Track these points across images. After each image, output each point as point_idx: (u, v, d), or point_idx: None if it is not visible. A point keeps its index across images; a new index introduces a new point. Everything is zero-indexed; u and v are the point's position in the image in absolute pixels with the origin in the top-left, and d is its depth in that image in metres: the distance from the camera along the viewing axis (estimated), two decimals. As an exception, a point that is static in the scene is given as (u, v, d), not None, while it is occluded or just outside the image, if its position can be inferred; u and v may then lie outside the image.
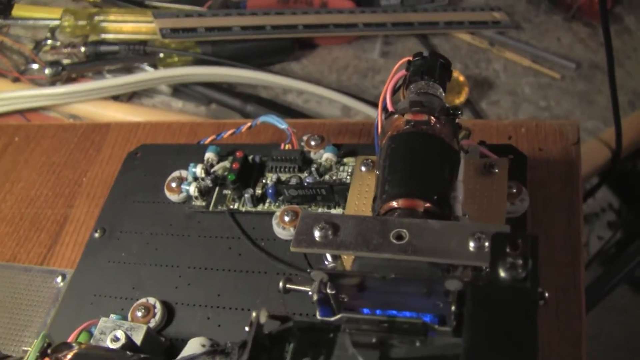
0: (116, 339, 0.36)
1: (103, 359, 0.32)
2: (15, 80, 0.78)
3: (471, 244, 0.28)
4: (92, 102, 0.76)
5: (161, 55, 0.78)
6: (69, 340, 0.41)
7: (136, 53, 0.78)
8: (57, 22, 0.82)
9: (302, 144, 0.49)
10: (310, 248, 0.30)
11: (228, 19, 0.76)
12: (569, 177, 0.48)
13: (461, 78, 0.79)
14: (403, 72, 0.38)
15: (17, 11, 0.85)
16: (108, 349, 0.34)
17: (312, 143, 0.49)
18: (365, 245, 0.29)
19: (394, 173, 0.32)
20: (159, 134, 0.65)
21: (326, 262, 0.33)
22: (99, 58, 0.79)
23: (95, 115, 0.75)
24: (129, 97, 0.78)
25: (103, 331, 0.41)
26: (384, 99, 0.39)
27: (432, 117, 0.34)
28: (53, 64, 0.77)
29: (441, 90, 0.37)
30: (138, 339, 0.39)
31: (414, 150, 0.33)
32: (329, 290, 0.28)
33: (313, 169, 0.47)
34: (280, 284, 0.31)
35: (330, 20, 0.81)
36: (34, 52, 0.81)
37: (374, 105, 0.76)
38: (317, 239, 0.30)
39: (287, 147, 0.50)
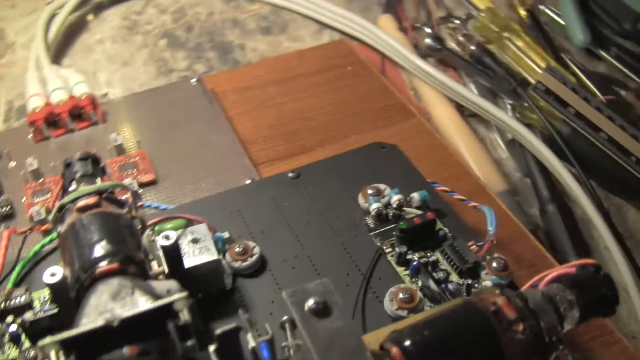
0: (167, 238, 0.40)
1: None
2: (402, 29, 0.85)
3: None
4: (437, 94, 0.79)
5: (525, 104, 0.77)
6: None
7: (507, 86, 0.78)
8: (476, 13, 0.86)
9: (487, 257, 0.46)
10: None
11: (602, 121, 0.71)
12: None
13: None
14: (573, 270, 0.34)
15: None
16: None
17: (494, 265, 0.46)
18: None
19: (423, 330, 0.29)
20: (437, 152, 0.66)
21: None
22: (476, 65, 0.81)
23: (427, 103, 0.79)
24: (471, 114, 0.79)
25: (192, 232, 0.46)
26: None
27: (520, 325, 0.29)
28: (438, 39, 0.82)
29: (577, 316, 0.32)
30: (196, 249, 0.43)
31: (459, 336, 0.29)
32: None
33: (467, 282, 0.45)
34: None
35: None
36: (439, 20, 0.87)
37: None
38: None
39: (474, 247, 0.47)
